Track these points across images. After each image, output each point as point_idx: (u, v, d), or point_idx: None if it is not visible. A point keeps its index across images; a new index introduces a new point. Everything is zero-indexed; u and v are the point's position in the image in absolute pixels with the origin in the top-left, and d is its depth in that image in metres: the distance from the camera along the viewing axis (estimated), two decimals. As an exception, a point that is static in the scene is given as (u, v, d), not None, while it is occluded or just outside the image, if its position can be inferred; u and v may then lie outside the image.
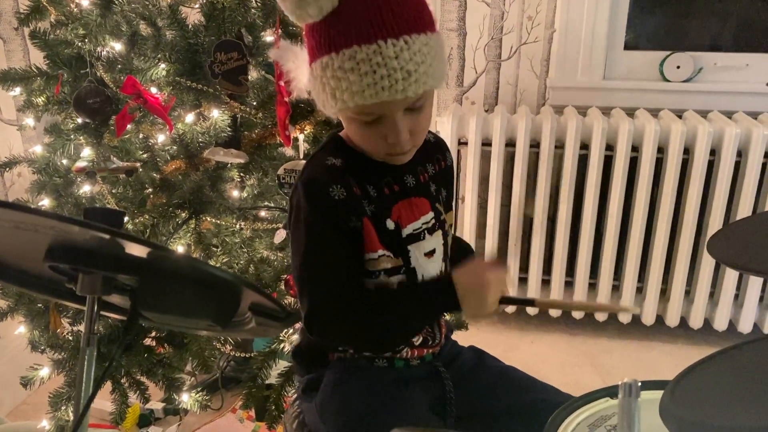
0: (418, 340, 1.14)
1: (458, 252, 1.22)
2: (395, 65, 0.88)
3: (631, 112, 2.29)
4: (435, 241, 1.11)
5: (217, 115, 1.54)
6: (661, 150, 2.20)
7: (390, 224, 1.05)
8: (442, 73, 0.95)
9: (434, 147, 1.16)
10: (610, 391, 0.99)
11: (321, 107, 0.98)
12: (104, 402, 1.80)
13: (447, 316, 1.88)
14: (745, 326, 2.34)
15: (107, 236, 0.52)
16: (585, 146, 2.24)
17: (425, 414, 1.09)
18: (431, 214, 1.10)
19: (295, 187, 1.04)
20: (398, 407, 1.08)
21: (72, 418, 1.20)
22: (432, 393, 1.15)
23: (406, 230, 1.07)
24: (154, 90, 1.55)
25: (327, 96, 0.93)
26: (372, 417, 1.06)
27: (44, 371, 1.71)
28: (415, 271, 1.08)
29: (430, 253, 1.10)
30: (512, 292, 2.45)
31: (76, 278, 0.64)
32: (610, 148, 2.23)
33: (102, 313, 0.69)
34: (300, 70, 1.54)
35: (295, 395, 1.24)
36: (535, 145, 2.28)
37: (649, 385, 0.98)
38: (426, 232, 1.09)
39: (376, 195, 1.04)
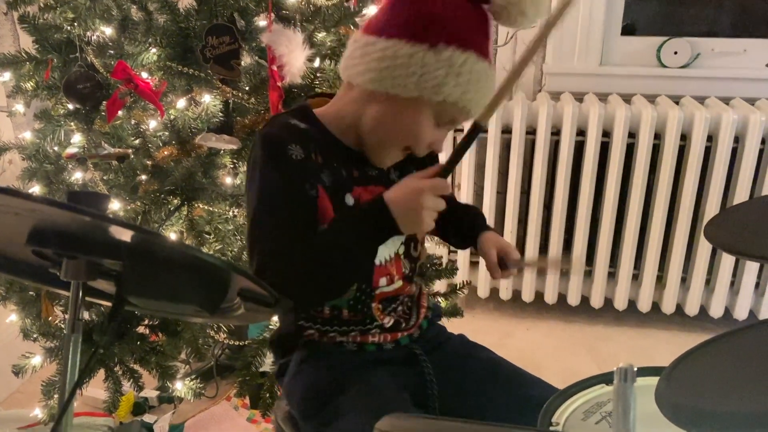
0: (389, 323, 1.10)
1: (467, 216, 1.23)
2: (489, 88, 0.96)
3: (628, 98, 2.27)
4: None
5: (209, 100, 1.52)
6: (658, 136, 2.18)
7: (349, 199, 1.02)
8: None
9: None
10: (605, 378, 0.98)
11: (390, 83, 0.93)
12: (98, 390, 1.79)
13: (444, 302, 1.88)
14: (740, 313, 2.34)
15: (89, 219, 0.50)
16: (581, 133, 2.23)
17: (395, 395, 1.04)
18: None
19: (253, 143, 1.01)
20: (363, 384, 1.04)
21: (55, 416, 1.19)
22: (409, 377, 1.10)
23: None
24: (144, 75, 1.53)
25: (444, 84, 0.92)
26: (335, 396, 1.03)
27: (36, 360, 1.69)
28: None
29: None
30: (507, 282, 2.44)
31: (60, 263, 0.63)
32: (606, 134, 2.22)
33: (88, 298, 0.68)
34: (293, 55, 1.52)
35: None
36: (531, 131, 2.26)
37: (644, 372, 0.98)
38: None
39: (336, 168, 1.02)
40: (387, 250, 1.08)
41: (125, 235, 0.54)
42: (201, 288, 0.58)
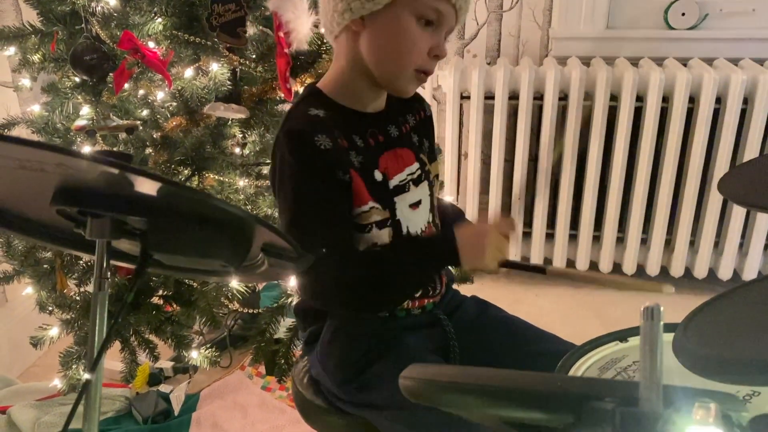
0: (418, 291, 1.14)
1: (451, 217, 1.23)
2: None
3: (635, 62, 2.26)
4: (420, 192, 1.10)
5: (216, 68, 1.52)
6: (666, 99, 2.17)
7: (378, 175, 1.03)
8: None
9: (412, 98, 1.12)
10: (619, 335, 0.99)
11: (362, 2, 0.93)
12: (114, 362, 1.82)
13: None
14: (749, 275, 2.34)
15: (116, 171, 0.51)
16: (589, 97, 2.21)
17: (428, 357, 1.09)
18: (416, 165, 1.09)
19: (276, 140, 1.00)
20: (400, 351, 1.08)
21: (84, 376, 1.21)
22: (434, 340, 1.14)
23: (393, 181, 1.05)
24: (151, 45, 1.52)
25: None
26: (373, 362, 1.06)
27: (53, 331, 1.72)
28: (400, 223, 1.07)
29: (416, 205, 1.09)
30: (516, 249, 2.45)
31: (85, 223, 0.63)
32: (614, 98, 2.20)
33: (112, 262, 0.68)
34: (300, 21, 1.51)
35: (301, 351, 1.24)
36: (538, 97, 2.25)
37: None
38: (411, 183, 1.08)
39: (363, 146, 1.02)
40: (422, 220, 1.11)
41: (151, 188, 0.54)
42: (226, 241, 0.59)
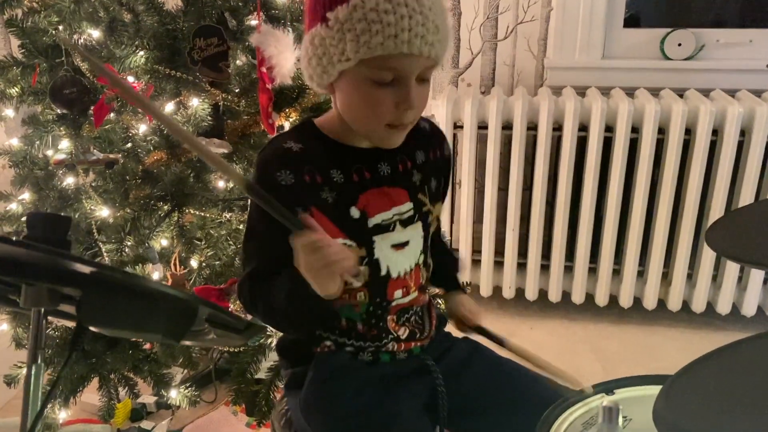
0: (404, 334, 1.10)
1: (441, 265, 1.20)
2: (419, 19, 0.87)
3: (631, 92, 2.23)
4: (410, 233, 1.06)
5: (197, 103, 1.49)
6: (662, 131, 2.14)
7: (354, 212, 1.01)
8: (447, 45, 0.93)
9: (429, 135, 1.12)
10: (606, 388, 0.97)
11: (320, 72, 0.94)
12: (95, 396, 1.77)
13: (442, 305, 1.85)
14: (748, 310, 2.29)
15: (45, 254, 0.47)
16: (584, 128, 2.18)
17: (413, 413, 1.06)
18: (409, 205, 1.05)
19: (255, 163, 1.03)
20: (384, 407, 1.05)
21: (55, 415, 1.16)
22: (422, 388, 1.11)
23: (374, 220, 1.02)
24: (131, 79, 1.50)
25: (345, 47, 0.88)
26: (357, 418, 1.04)
27: (29, 369, 1.67)
28: (379, 263, 1.04)
29: (401, 246, 1.06)
30: (512, 280, 2.40)
31: (20, 289, 0.60)
32: (609, 129, 2.17)
33: (52, 319, 0.65)
34: (282, 56, 1.49)
35: (282, 391, 1.21)
36: (532, 127, 2.22)
37: (648, 380, 0.96)
38: (398, 223, 1.05)
39: (342, 181, 1.00)
40: (408, 262, 1.08)
41: (83, 268, 0.51)
42: (164, 317, 0.55)
